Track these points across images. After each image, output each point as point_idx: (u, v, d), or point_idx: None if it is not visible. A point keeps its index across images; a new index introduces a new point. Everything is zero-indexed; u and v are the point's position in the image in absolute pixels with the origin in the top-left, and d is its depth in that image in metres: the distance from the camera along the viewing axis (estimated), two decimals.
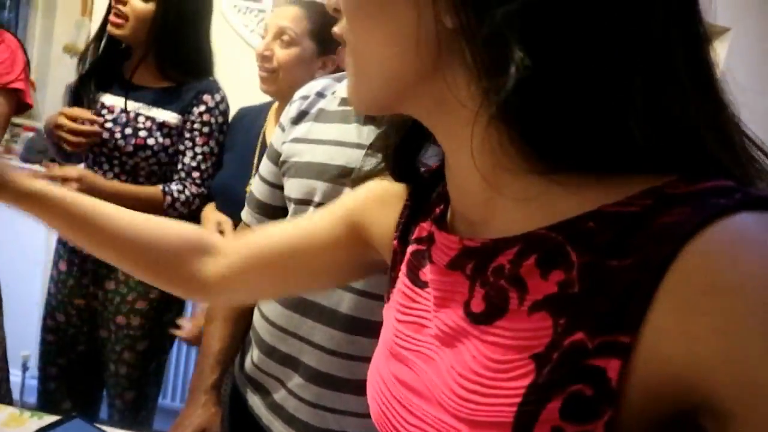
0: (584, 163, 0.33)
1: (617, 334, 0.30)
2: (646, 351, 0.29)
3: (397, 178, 0.52)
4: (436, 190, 0.49)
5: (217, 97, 1.47)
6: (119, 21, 1.38)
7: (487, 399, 0.35)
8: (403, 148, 0.49)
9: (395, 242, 0.51)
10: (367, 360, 0.83)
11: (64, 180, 1.29)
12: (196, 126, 1.43)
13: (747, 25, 1.95)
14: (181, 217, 1.43)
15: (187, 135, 1.44)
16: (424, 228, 0.47)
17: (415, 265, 0.47)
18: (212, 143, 1.46)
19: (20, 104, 1.37)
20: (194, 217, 1.53)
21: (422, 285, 0.45)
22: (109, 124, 1.41)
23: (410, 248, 0.49)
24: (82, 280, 1.50)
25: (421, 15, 0.35)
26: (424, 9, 0.35)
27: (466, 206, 0.42)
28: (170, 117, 1.43)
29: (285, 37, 1.34)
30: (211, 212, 1.45)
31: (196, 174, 1.45)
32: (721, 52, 1.97)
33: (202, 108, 1.44)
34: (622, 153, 0.32)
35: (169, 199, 1.41)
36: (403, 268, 0.49)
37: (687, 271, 0.28)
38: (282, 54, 1.34)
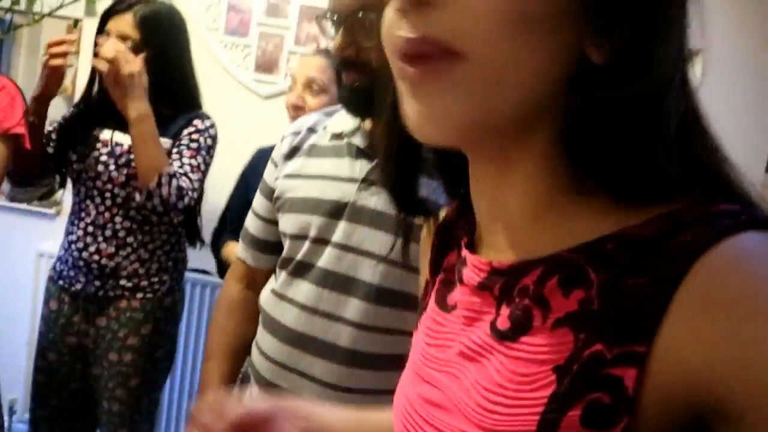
0: (622, 187, 0.36)
1: (633, 344, 0.32)
2: (660, 359, 0.31)
3: (401, 209, 0.53)
4: (460, 222, 0.50)
5: (207, 123, 1.50)
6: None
7: (510, 410, 0.36)
8: (400, 179, 0.50)
9: (427, 275, 0.54)
10: (367, 393, 0.84)
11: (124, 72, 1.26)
12: (183, 142, 1.45)
13: (719, 47, 2.02)
14: (163, 206, 1.37)
15: (175, 150, 1.45)
16: (453, 256, 0.50)
17: (443, 291, 0.49)
18: (200, 159, 1.45)
19: (19, 148, 1.37)
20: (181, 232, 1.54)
21: (450, 309, 0.47)
22: (103, 158, 1.43)
23: (439, 277, 0.51)
24: (73, 318, 1.49)
25: (572, 42, 0.34)
26: (579, 37, 0.34)
27: (498, 233, 0.43)
28: (162, 142, 1.44)
29: (314, 86, 1.52)
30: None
31: (185, 178, 1.41)
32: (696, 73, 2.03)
33: (192, 129, 1.46)
34: (654, 179, 0.36)
35: (170, 169, 1.35)
36: (432, 296, 0.51)
37: (697, 284, 0.31)
38: (313, 102, 1.51)
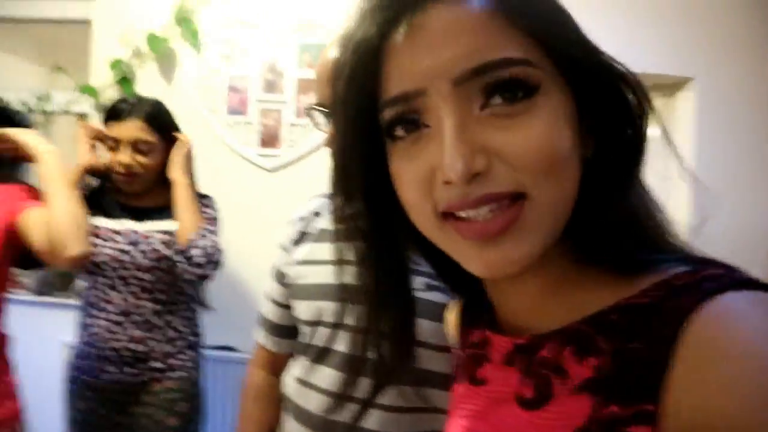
0: (618, 263, 0.42)
1: (643, 403, 0.35)
2: (669, 416, 0.34)
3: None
4: (480, 300, 0.54)
5: (212, 200, 1.60)
6: (130, 179, 1.50)
7: None
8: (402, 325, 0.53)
9: (457, 350, 0.59)
10: None
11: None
12: None
13: (710, 74, 2.05)
14: (205, 257, 1.43)
15: None
16: (476, 334, 0.54)
17: (472, 367, 0.53)
18: (214, 226, 1.53)
19: None
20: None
21: (479, 383, 0.51)
22: (124, 246, 1.48)
23: (468, 352, 0.55)
24: (101, 411, 1.50)
25: (581, 155, 0.41)
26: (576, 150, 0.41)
27: (516, 312, 0.48)
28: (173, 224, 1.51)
29: None
30: None
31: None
32: (687, 102, 2.06)
33: (200, 205, 1.54)
34: (645, 252, 0.42)
35: (206, 225, 1.48)
36: (462, 371, 0.55)
37: (689, 344, 0.34)
38: None
